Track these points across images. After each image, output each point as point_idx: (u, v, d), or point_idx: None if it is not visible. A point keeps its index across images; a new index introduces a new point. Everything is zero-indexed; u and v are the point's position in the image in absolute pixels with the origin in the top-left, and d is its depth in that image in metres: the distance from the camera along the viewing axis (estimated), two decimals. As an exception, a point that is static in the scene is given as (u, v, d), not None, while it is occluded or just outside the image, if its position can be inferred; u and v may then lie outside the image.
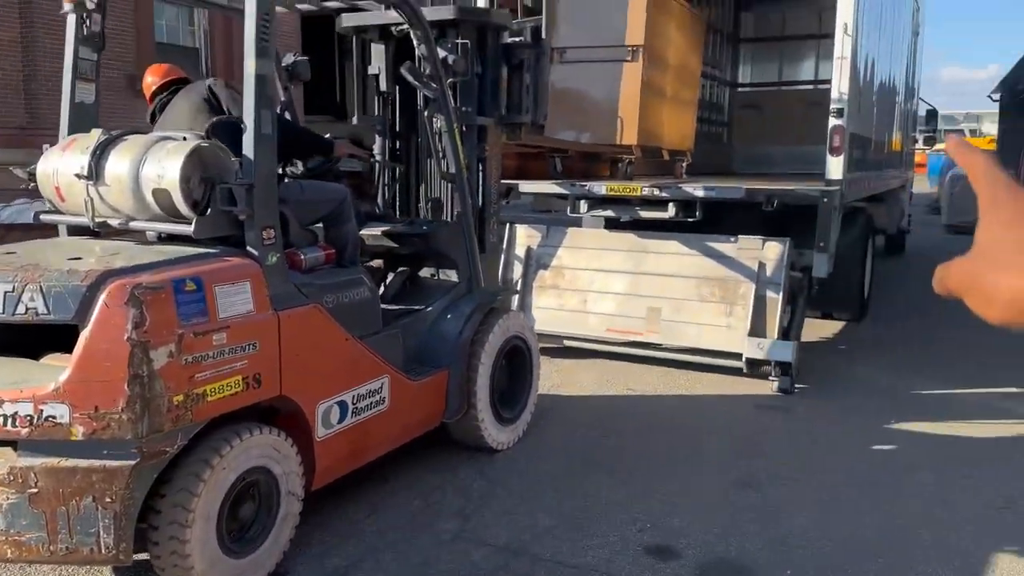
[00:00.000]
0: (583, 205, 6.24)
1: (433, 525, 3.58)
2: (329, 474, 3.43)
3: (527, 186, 6.45)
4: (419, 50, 4.03)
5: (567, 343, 6.44)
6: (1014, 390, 5.76)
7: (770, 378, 5.68)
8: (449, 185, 4.62)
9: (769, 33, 13.34)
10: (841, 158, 5.53)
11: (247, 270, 2.95)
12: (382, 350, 3.66)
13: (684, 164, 7.96)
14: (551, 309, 6.43)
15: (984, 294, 0.72)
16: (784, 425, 4.98)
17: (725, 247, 5.94)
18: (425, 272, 4.58)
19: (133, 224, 3.11)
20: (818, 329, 7.63)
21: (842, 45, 5.43)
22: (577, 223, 6.98)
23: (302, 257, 3.42)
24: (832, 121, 5.52)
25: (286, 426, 3.20)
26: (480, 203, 4.75)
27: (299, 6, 4.11)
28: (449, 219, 4.51)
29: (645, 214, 6.11)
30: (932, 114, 14.45)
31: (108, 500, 2.55)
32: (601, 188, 6.11)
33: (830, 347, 7.10)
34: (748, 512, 3.77)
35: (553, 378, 5.95)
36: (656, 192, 5.90)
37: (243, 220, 3.00)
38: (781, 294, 5.67)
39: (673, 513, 3.75)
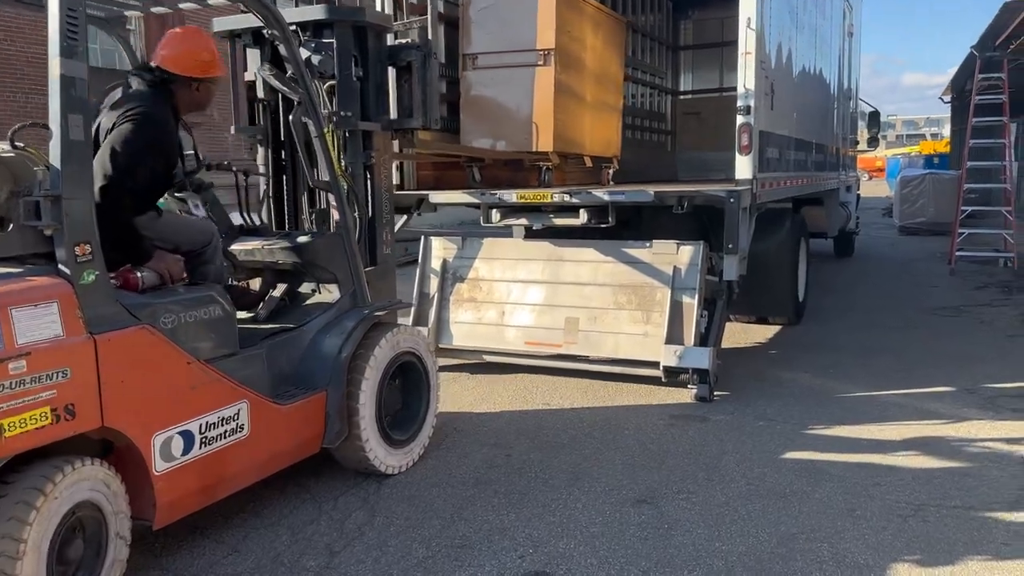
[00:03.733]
0: (495, 214, 6.02)
1: (296, 563, 3.30)
2: (175, 511, 3.15)
3: (437, 196, 6.22)
4: (281, 51, 3.80)
5: (487, 358, 6.21)
6: (940, 390, 5.61)
7: (689, 386, 5.49)
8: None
9: (708, 40, 13.31)
10: (749, 157, 5.36)
11: (54, 290, 2.68)
12: (239, 373, 3.39)
13: (611, 171, 7.78)
14: (469, 323, 6.20)
15: None
16: (696, 436, 4.77)
17: (640, 252, 5.75)
18: (307, 288, 4.33)
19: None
20: (752, 334, 7.48)
21: (746, 40, 5.28)
22: (505, 234, 6.77)
23: (138, 275, 3.16)
24: (739, 119, 5.36)
25: (119, 461, 2.94)
26: (370, 213, 4.52)
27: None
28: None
29: (558, 221, 5.91)
30: (875, 116, 14.48)
31: None
32: (512, 196, 5.90)
33: (760, 352, 6.93)
34: (639, 530, 3.54)
35: (469, 395, 5.71)
36: (567, 198, 5.70)
37: (50, 235, 2.73)
38: (696, 299, 5.48)
39: (560, 536, 3.51)
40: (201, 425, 3.17)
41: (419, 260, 6.40)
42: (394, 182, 6.56)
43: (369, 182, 4.48)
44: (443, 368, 6.37)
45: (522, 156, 6.69)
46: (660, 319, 5.57)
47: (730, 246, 5.17)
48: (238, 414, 3.35)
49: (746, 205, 5.33)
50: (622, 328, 5.72)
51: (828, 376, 6.04)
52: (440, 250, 6.38)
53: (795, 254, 7.55)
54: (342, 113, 4.19)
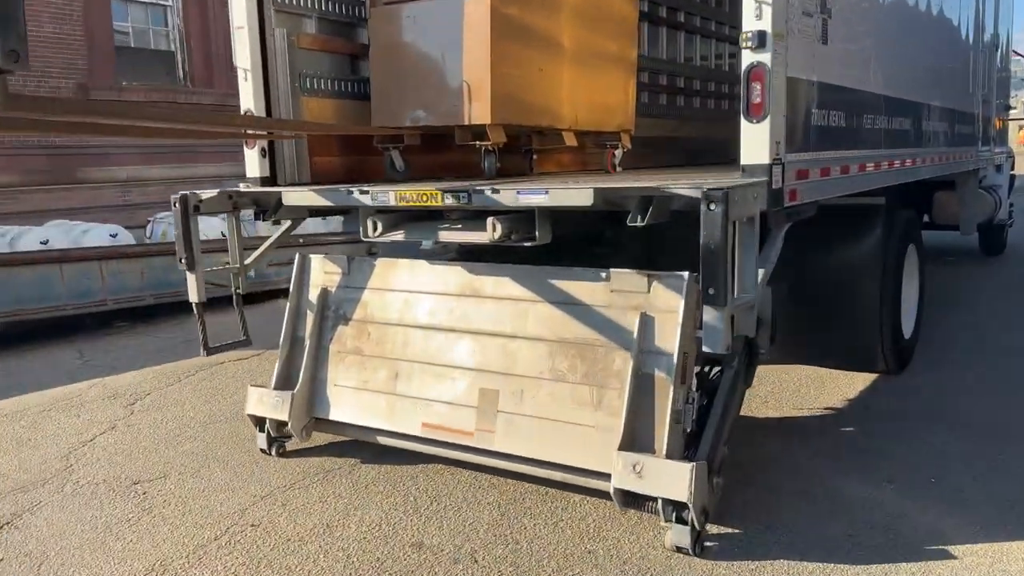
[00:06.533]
0: (373, 224, 3.84)
1: None
2: None
3: (292, 196, 4.11)
4: None
5: (380, 440, 4.10)
6: None
7: (663, 522, 3.18)
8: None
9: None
10: (766, 125, 2.95)
11: None
12: None
13: (618, 151, 5.41)
14: (352, 388, 4.13)
15: None
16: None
17: (591, 289, 3.47)
18: None
19: None
20: (827, 387, 5.03)
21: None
22: (415, 251, 4.61)
23: None
24: (747, 57, 2.95)
25: None
26: None
27: None
28: None
29: (452, 236, 3.66)
30: (1035, 73, 11.19)
31: None
32: (389, 196, 3.70)
33: (827, 427, 4.45)
34: None
35: (320, 514, 3.63)
36: (462, 200, 3.45)
37: None
38: (674, 372, 3.15)
39: None
40: None
41: (290, 289, 4.36)
42: (260, 174, 4.58)
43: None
44: (321, 450, 4.33)
45: (450, 131, 4.49)
46: (618, 401, 3.29)
47: (710, 291, 2.76)
48: None
49: (753, 212, 2.91)
50: (560, 412, 3.48)
51: (923, 493, 3.56)
52: (319, 275, 4.31)
53: (893, 274, 4.99)
54: None
